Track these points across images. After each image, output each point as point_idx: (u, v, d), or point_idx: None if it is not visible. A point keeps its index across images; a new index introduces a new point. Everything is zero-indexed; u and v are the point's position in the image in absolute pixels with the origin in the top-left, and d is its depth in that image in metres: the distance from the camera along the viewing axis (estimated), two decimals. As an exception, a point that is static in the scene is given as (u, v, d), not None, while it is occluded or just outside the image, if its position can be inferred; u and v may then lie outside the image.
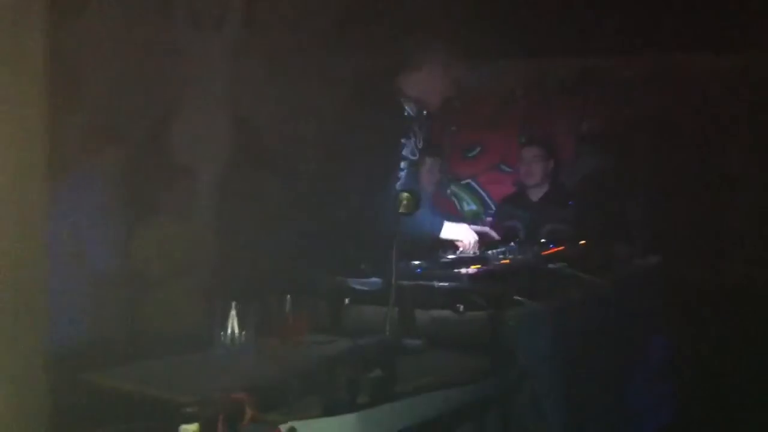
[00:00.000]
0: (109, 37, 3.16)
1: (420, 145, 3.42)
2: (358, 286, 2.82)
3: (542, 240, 3.72)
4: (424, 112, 3.34)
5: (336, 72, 3.77)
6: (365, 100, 3.33)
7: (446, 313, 2.71)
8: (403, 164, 3.34)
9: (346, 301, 2.83)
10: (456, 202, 5.45)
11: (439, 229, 3.34)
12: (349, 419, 2.00)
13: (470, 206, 5.51)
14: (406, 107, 3.31)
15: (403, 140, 3.32)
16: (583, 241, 3.66)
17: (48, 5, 2.10)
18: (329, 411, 2.01)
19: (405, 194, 2.67)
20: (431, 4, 3.80)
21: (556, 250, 3.42)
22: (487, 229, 3.75)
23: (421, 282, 2.78)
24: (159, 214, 3.19)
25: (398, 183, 3.31)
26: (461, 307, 2.70)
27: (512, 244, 3.43)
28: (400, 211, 2.64)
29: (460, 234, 3.38)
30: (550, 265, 3.19)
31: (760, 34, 4.49)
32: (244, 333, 2.43)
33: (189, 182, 3.46)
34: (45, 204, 2.04)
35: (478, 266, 2.94)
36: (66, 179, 2.82)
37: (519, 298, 2.76)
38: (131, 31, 3.25)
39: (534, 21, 4.21)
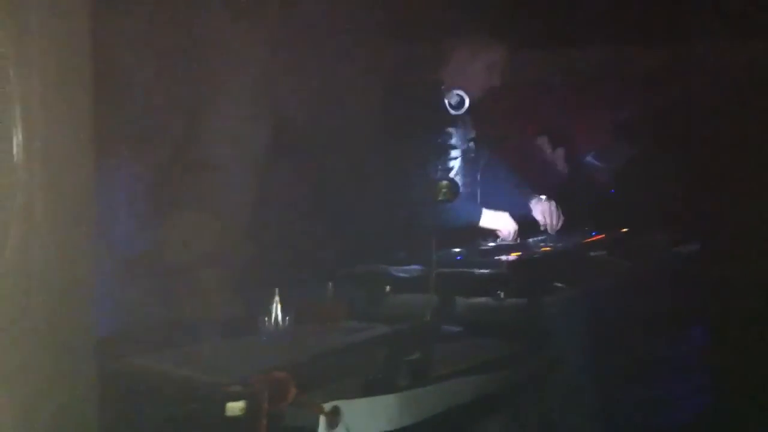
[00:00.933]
0: (141, 31, 3.21)
1: (471, 135, 3.45)
2: (398, 274, 2.86)
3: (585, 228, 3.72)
4: (466, 102, 3.35)
5: (375, 63, 3.79)
6: (406, 89, 3.36)
7: (486, 299, 2.74)
8: (454, 153, 3.37)
9: (387, 288, 2.87)
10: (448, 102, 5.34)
11: (478, 218, 3.36)
12: (390, 400, 2.04)
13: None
14: (448, 97, 3.34)
15: (449, 129, 3.35)
16: (624, 229, 3.66)
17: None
18: (369, 392, 2.05)
19: (444, 182, 2.70)
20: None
21: (596, 238, 3.43)
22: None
23: (462, 269, 2.81)
24: (199, 206, 3.24)
25: (452, 172, 3.35)
26: (502, 294, 2.72)
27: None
28: (440, 198, 2.67)
29: (500, 223, 3.40)
30: (591, 253, 3.20)
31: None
32: (287, 319, 2.47)
33: (232, 174, 3.51)
34: (91, 197, 2.10)
35: (519, 253, 2.96)
36: (110, 172, 2.89)
37: (559, 284, 2.78)
38: (164, 25, 3.29)
39: (571, 10, 4.20)
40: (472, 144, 3.49)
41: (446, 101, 3.33)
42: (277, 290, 2.48)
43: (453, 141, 3.38)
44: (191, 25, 3.33)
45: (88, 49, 1.95)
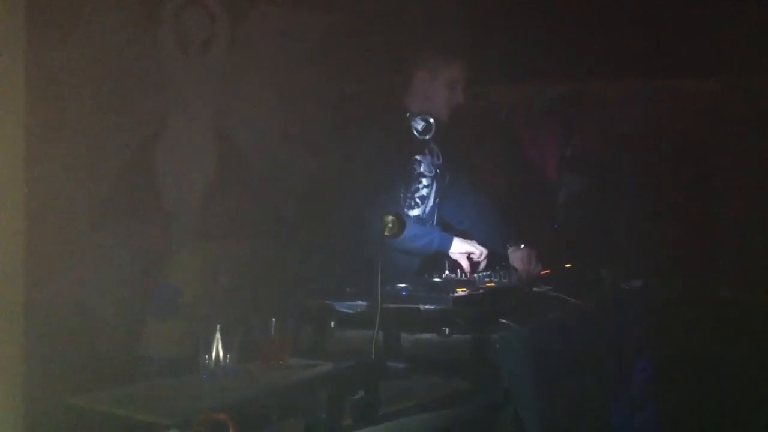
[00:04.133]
0: (96, 59, 3.17)
1: (439, 161, 3.42)
2: (343, 309, 2.82)
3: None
4: (433, 125, 3.34)
5: (329, 91, 3.78)
6: (369, 118, 3.34)
7: (431, 336, 2.71)
8: (425, 181, 3.35)
9: (332, 324, 2.83)
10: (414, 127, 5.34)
11: (449, 245, 3.34)
12: (333, 442, 2.00)
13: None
14: (413, 123, 3.32)
15: (417, 157, 3.33)
16: (568, 264, 3.68)
17: (29, 28, 2.11)
18: (313, 433, 2.01)
19: (390, 217, 2.67)
20: (425, 18, 3.82)
21: (541, 273, 3.43)
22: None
23: (407, 305, 2.78)
24: (143, 235, 3.18)
25: (424, 201, 3.33)
26: (447, 330, 2.70)
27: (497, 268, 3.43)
28: (385, 234, 2.64)
29: (470, 247, 3.37)
30: (536, 288, 3.20)
31: (740, 58, 4.55)
32: (228, 356, 2.42)
33: (175, 204, 3.46)
34: (27, 229, 2.05)
35: (464, 289, 2.94)
36: (49, 199, 2.82)
37: (505, 321, 2.77)
38: (118, 55, 3.27)
39: (522, 43, 4.25)
40: (437, 171, 3.47)
41: (413, 126, 3.32)
42: (218, 326, 2.43)
43: (429, 168, 3.38)
44: (137, 53, 3.30)
45: (24, 84, 1.91)
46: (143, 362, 3.04)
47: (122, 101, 3.28)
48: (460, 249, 3.33)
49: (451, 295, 2.83)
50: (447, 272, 3.32)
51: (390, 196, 3.24)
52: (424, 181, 3.38)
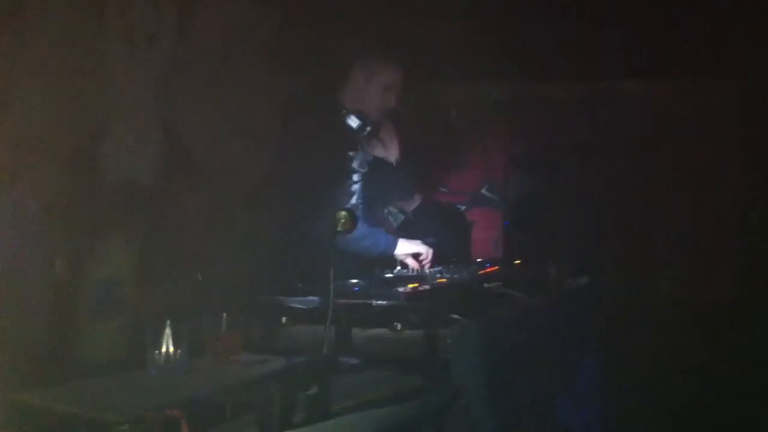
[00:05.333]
0: (39, 53, 3.11)
1: (369, 159, 3.43)
2: (295, 305, 2.81)
3: (478, 260, 3.75)
4: (368, 124, 3.35)
5: (273, 86, 3.76)
6: (305, 113, 3.33)
7: (383, 331, 2.72)
8: (355, 177, 3.35)
9: (283, 319, 2.82)
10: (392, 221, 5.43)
11: (393, 248, 3.35)
12: (286, 437, 1.99)
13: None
14: (348, 119, 3.33)
15: (350, 153, 3.34)
16: (517, 261, 3.72)
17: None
18: (265, 429, 1.99)
19: (342, 213, 2.66)
20: (367, 17, 3.82)
21: (491, 269, 3.46)
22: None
23: (359, 300, 2.78)
24: (90, 231, 3.13)
25: (354, 197, 3.33)
26: (398, 326, 2.71)
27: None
28: (338, 229, 2.63)
29: (416, 247, 3.38)
30: (486, 285, 3.22)
31: (691, 60, 4.63)
32: (178, 352, 2.39)
33: (121, 199, 3.41)
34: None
35: (416, 285, 2.95)
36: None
37: (455, 316, 2.78)
38: (63, 48, 3.21)
39: (469, 42, 4.27)
40: (372, 168, 3.47)
41: (348, 123, 3.32)
42: (168, 321, 2.40)
43: (361, 165, 3.38)
44: (82, 46, 3.24)
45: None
46: (88, 359, 2.99)
47: (65, 96, 3.22)
48: (406, 250, 3.35)
49: (402, 290, 2.84)
50: (399, 268, 3.33)
51: (329, 190, 3.23)
52: (355, 177, 3.39)
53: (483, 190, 4.83)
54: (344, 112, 3.34)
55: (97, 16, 3.37)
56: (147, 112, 3.55)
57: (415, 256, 3.37)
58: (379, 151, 3.59)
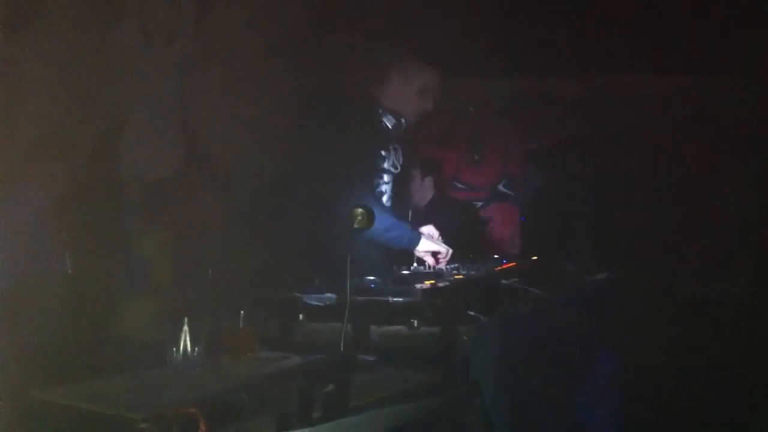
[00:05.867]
0: (58, 50, 3.13)
1: (401, 160, 3.45)
2: (312, 302, 2.82)
3: (495, 256, 3.75)
4: (403, 125, 3.37)
5: (297, 83, 3.76)
6: (340, 111, 3.34)
7: (400, 328, 2.72)
8: (386, 177, 3.36)
9: (301, 317, 2.82)
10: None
11: (416, 243, 3.35)
12: (303, 434, 1.99)
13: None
14: (384, 119, 3.34)
15: (382, 152, 3.35)
16: (534, 257, 3.71)
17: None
18: (283, 426, 2.00)
19: (359, 210, 2.67)
20: (404, 16, 3.81)
21: (508, 265, 3.46)
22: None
23: (376, 297, 2.79)
24: (109, 228, 3.15)
25: (383, 197, 3.34)
26: (415, 323, 2.71)
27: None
28: (355, 226, 2.64)
29: (437, 246, 3.39)
30: (503, 281, 3.22)
31: (704, 56, 4.61)
32: (196, 349, 2.40)
33: (139, 196, 3.43)
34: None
35: (432, 281, 2.95)
36: (12, 192, 2.78)
37: (472, 313, 2.78)
38: (82, 45, 3.23)
39: (488, 38, 4.26)
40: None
41: (383, 122, 3.33)
42: (186, 319, 2.41)
43: (393, 165, 3.39)
44: (101, 44, 3.26)
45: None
46: (107, 356, 3.01)
47: (85, 93, 3.24)
48: (427, 248, 3.35)
49: (419, 287, 2.85)
50: (415, 264, 3.34)
51: (357, 188, 3.24)
52: (386, 177, 3.40)
53: (500, 186, 4.83)
54: (380, 111, 3.36)
55: (116, 13, 3.39)
56: (167, 108, 3.57)
57: (434, 254, 3.37)
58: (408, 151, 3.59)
